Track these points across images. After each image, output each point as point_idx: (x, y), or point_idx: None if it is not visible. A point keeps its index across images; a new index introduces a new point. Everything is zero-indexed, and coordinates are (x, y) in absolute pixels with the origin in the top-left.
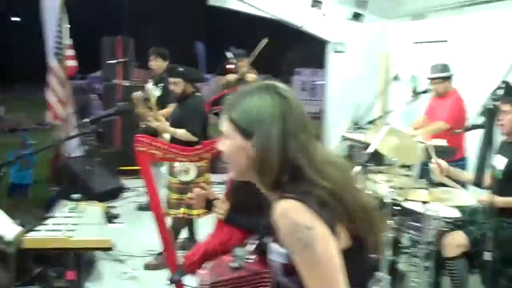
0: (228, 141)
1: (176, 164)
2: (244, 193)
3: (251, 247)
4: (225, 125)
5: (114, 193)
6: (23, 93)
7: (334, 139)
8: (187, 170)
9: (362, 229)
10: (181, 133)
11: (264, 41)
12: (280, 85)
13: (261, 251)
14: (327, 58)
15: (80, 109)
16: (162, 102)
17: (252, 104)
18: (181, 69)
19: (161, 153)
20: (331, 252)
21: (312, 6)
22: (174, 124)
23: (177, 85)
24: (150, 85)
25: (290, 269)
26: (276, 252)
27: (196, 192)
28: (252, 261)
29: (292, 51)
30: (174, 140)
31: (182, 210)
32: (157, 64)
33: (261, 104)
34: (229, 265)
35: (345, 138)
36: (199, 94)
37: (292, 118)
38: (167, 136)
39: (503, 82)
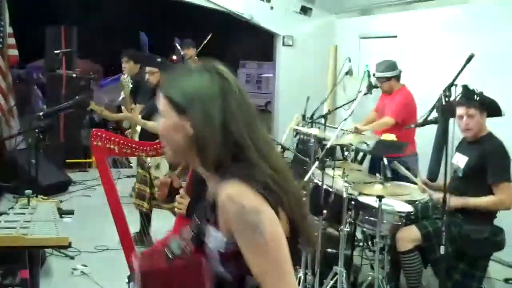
0: (163, 120)
1: (148, 159)
2: (205, 186)
3: (188, 234)
4: (161, 103)
5: (61, 187)
6: None
7: (282, 132)
8: (158, 165)
9: (296, 218)
10: (152, 125)
11: (209, 36)
12: (221, 66)
13: (199, 240)
14: (276, 51)
15: (20, 100)
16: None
17: (190, 82)
18: (159, 59)
19: (117, 148)
20: (279, 236)
21: None
22: (147, 116)
23: (153, 76)
24: (124, 76)
25: (226, 257)
26: (214, 238)
27: (161, 180)
28: (189, 249)
29: (238, 43)
30: (144, 132)
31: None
32: (129, 66)
33: (199, 81)
34: (164, 253)
35: (297, 132)
36: None
37: (232, 97)
38: (138, 128)
39: (463, 86)
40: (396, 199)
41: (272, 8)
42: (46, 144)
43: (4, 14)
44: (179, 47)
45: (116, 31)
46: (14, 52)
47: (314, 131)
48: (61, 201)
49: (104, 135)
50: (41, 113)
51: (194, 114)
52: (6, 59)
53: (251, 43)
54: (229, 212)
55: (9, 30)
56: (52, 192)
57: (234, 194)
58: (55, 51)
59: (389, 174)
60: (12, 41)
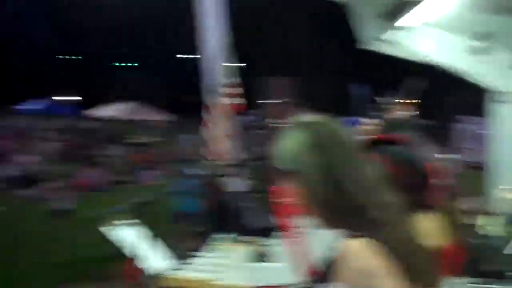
0: (287, 186)
1: None
2: None
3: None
4: (280, 177)
5: (268, 231)
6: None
7: (496, 194)
8: None
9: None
10: None
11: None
12: (318, 118)
13: None
14: (490, 108)
15: (246, 144)
16: None
17: (285, 147)
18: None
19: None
20: None
21: (472, 53)
22: None
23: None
24: None
25: None
26: None
27: None
28: None
29: (452, 97)
30: None
31: None
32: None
33: (290, 143)
34: None
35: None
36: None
37: (329, 150)
38: None
39: None
40: None
41: (486, 63)
42: (262, 189)
43: (230, 64)
44: (379, 101)
45: (325, 84)
46: (241, 100)
47: None
48: (267, 245)
49: (281, 191)
50: (228, 163)
51: (298, 175)
52: (227, 107)
53: (466, 98)
54: (349, 269)
55: (237, 80)
56: (259, 235)
57: (358, 251)
58: (272, 101)
59: None
60: (239, 90)
